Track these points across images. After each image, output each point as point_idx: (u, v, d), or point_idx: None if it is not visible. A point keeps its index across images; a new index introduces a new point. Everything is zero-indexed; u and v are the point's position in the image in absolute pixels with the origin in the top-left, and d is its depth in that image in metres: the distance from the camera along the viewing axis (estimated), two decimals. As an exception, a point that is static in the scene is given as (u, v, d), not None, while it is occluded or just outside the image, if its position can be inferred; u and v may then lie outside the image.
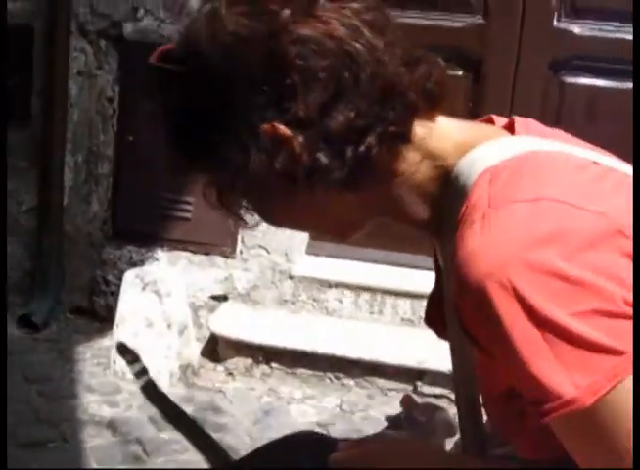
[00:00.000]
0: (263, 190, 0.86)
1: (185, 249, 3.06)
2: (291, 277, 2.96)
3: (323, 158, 0.80)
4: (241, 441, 2.26)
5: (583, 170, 0.81)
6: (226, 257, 3.02)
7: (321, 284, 2.93)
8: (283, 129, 0.79)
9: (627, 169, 0.86)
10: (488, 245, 0.73)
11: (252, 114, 0.80)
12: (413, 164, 0.84)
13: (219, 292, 3.03)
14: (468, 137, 0.85)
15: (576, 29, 2.80)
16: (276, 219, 0.95)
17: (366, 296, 2.90)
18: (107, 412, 2.39)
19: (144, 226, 3.10)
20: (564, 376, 0.70)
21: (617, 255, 0.73)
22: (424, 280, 2.92)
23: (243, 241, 3.00)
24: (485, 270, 0.72)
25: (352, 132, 0.79)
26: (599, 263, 0.72)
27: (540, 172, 0.78)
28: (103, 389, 2.56)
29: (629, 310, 0.71)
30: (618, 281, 0.72)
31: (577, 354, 0.70)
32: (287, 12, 0.77)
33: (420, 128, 0.83)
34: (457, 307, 0.77)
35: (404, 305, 2.88)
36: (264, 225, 3.21)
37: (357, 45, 0.78)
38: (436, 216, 0.87)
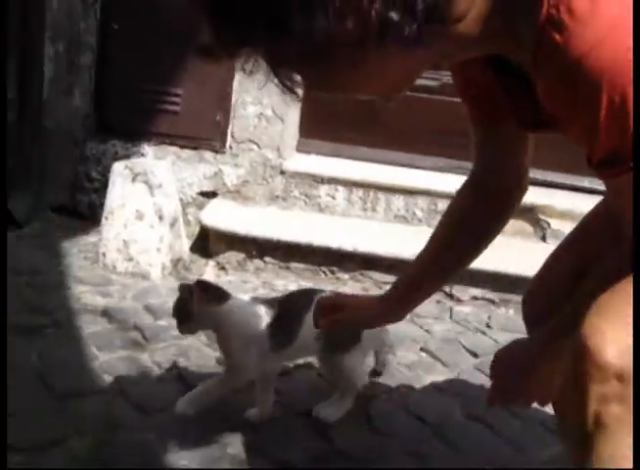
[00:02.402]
0: (325, 56, 0.85)
1: (173, 143, 2.98)
2: (282, 173, 2.90)
3: (394, 14, 0.81)
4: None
5: None
6: (215, 151, 2.95)
7: (314, 180, 2.88)
8: None
9: None
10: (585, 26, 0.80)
11: None
12: None
13: (208, 188, 2.97)
14: None
15: None
16: (330, 86, 0.96)
17: (359, 192, 2.86)
18: (100, 302, 2.34)
19: (129, 120, 3.00)
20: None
21: None
22: (418, 178, 2.92)
23: (233, 135, 2.93)
24: (587, 47, 0.80)
25: None
26: None
27: None
28: (93, 281, 2.50)
29: None
30: None
31: None
32: None
33: None
34: (549, 94, 0.87)
35: (397, 202, 2.85)
36: (255, 119, 3.10)
37: None
38: (508, 24, 0.88)
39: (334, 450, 1.70)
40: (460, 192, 1.38)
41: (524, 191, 1.34)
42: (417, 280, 1.42)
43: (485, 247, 1.37)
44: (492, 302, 2.63)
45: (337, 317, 1.47)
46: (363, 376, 1.81)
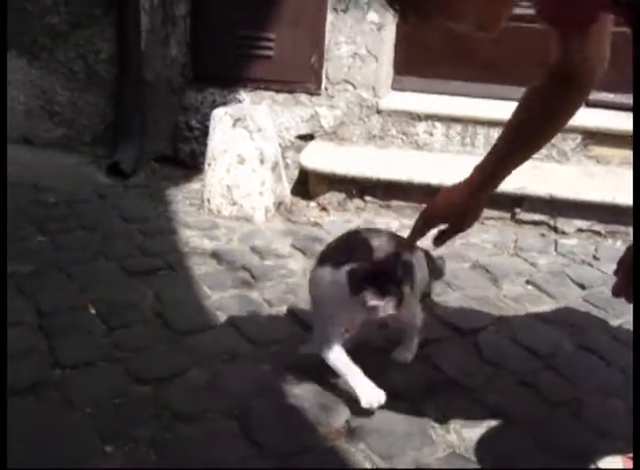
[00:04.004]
0: None
1: (268, 88, 3.00)
2: (379, 112, 2.89)
3: None
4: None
5: None
6: (311, 94, 2.96)
7: (410, 117, 2.86)
8: None
9: None
10: None
11: None
12: None
13: (305, 131, 2.99)
14: None
15: None
16: (436, 13, 1.00)
17: (457, 128, 2.83)
18: (208, 245, 2.41)
19: (224, 67, 3.04)
20: None
21: None
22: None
23: (327, 77, 2.92)
24: None
25: None
26: None
27: None
28: (200, 225, 2.58)
29: None
30: None
31: None
32: None
33: None
34: None
35: (497, 135, 2.78)
36: (349, 59, 3.08)
37: None
38: None
39: (445, 379, 1.72)
40: (537, 83, 1.40)
41: (602, 70, 1.34)
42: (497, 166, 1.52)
43: (559, 128, 1.44)
44: (599, 234, 2.57)
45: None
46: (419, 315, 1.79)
